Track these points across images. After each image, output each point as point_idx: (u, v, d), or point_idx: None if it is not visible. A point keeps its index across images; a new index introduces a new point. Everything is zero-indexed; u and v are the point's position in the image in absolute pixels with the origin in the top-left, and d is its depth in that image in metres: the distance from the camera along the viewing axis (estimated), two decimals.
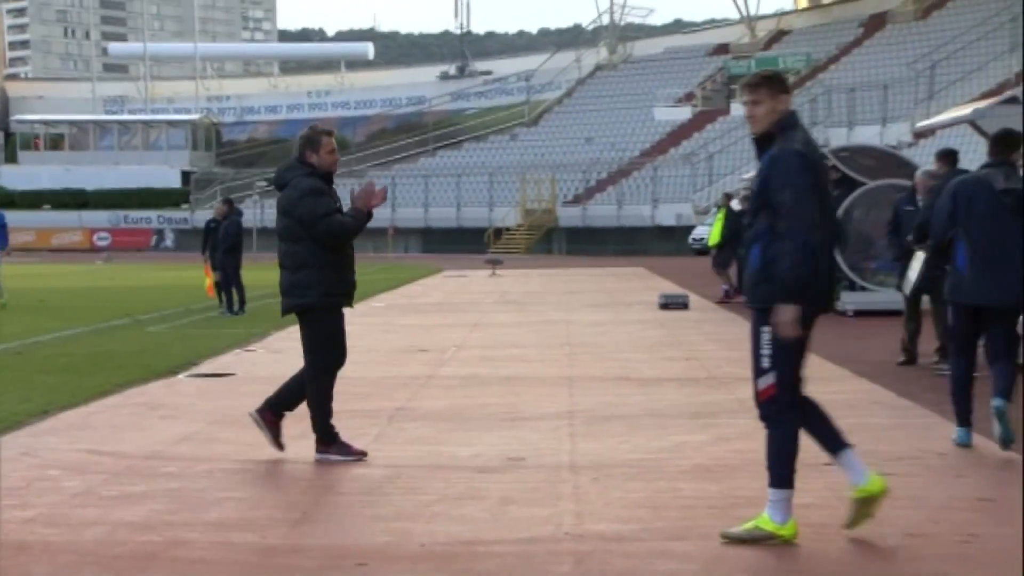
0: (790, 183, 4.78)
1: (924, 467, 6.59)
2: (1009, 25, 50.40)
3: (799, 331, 4.84)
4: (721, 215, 20.36)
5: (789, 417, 4.93)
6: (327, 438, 6.84)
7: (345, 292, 6.86)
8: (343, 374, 6.99)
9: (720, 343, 13.17)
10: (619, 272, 31.55)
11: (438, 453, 7.01)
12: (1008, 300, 6.73)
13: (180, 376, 10.96)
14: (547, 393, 9.38)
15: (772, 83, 5.05)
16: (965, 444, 6.97)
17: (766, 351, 4.87)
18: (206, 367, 11.63)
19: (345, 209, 6.80)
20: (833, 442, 5.01)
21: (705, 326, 15.49)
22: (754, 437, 7.47)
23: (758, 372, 4.91)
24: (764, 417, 4.97)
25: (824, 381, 10.13)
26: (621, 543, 5.10)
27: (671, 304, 18.97)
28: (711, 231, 20.60)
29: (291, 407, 7.01)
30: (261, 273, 33.02)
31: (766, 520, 4.98)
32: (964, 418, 7.00)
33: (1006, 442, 6.69)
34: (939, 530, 5.17)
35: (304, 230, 6.71)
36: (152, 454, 7.11)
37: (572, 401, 9.20)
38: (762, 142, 5.02)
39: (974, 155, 37.27)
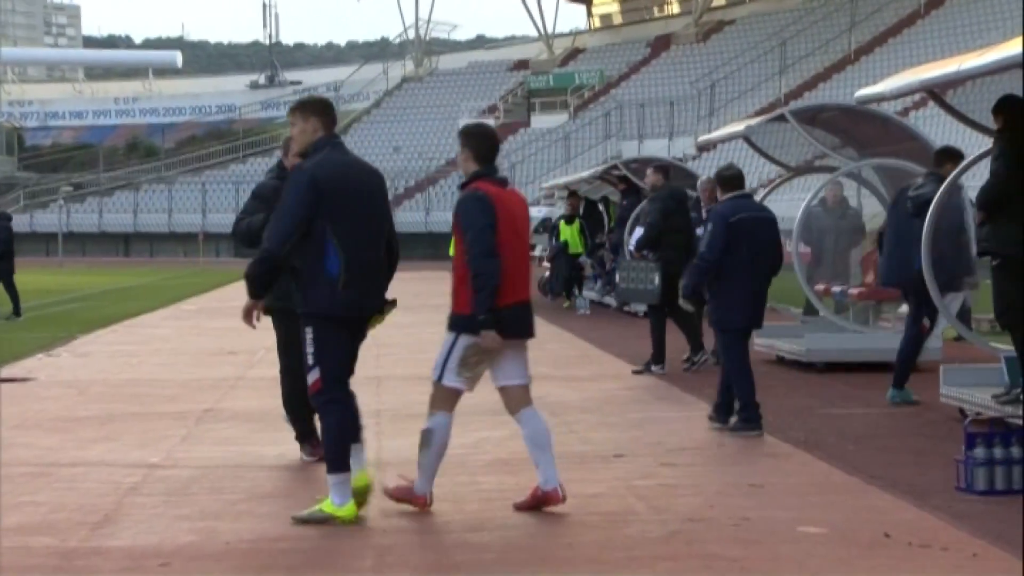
0: (286, 198, 5.21)
1: (704, 456, 6.85)
2: (777, 50, 52.93)
3: (256, 316, 5.26)
4: None
5: (336, 408, 5.24)
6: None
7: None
8: (151, 376, 6.75)
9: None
10: (427, 276, 31.53)
11: (245, 453, 6.87)
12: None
13: None
14: (354, 392, 9.28)
15: (304, 108, 5.39)
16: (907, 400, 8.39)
17: (310, 350, 5.20)
18: (6, 372, 11.04)
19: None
20: (341, 461, 5.25)
21: None
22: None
23: (307, 369, 5.24)
24: (316, 408, 5.34)
25: (616, 378, 10.40)
26: (422, 536, 5.11)
27: None
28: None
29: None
30: (68, 278, 31.67)
31: (328, 504, 5.21)
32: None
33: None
34: (715, 514, 5.38)
35: None
36: None
37: (379, 400, 9.16)
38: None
39: (750, 166, 38.96)
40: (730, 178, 7.87)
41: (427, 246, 48.88)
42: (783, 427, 7.64)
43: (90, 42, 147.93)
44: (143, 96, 78.78)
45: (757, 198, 9.16)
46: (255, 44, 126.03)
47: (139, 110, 77.07)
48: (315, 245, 5.14)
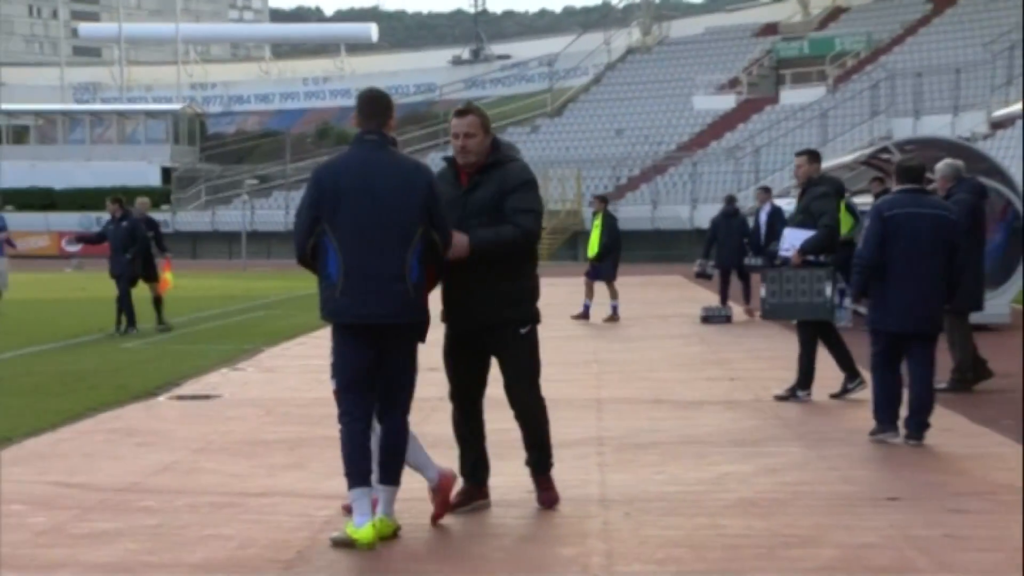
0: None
1: (1003, 502, 6.57)
2: None
3: None
4: (598, 222, 19.77)
5: (346, 421, 5.80)
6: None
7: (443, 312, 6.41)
8: (313, 396, 6.92)
9: (767, 361, 13.15)
10: (654, 281, 31.54)
11: None
12: None
13: (160, 398, 11.01)
14: (572, 417, 9.39)
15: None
16: None
17: (331, 360, 5.86)
18: (189, 388, 11.68)
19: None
20: (354, 476, 5.75)
21: (751, 342, 15.46)
22: (806, 468, 7.49)
23: (332, 377, 5.92)
24: (338, 417, 5.88)
25: None
26: None
27: (713, 317, 18.95)
28: (591, 241, 20.14)
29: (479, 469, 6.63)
30: (252, 283, 33.17)
31: (349, 525, 5.72)
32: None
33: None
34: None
35: None
36: (128, 486, 7.14)
37: (601, 426, 9.20)
38: None
39: None
40: (905, 170, 8.51)
41: (654, 246, 48.79)
42: None
43: (277, 16, 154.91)
44: (334, 75, 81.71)
45: None
46: (458, 13, 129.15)
47: (329, 91, 79.99)
48: (321, 247, 5.75)
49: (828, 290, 10.13)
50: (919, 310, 8.26)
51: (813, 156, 10.75)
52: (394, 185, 5.75)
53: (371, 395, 5.84)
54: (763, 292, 10.69)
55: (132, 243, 17.64)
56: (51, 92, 76.81)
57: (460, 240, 6.02)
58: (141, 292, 17.87)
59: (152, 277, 18.00)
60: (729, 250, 19.62)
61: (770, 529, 5.95)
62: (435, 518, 6.14)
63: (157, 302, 17.84)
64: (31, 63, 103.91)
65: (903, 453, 8.01)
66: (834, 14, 64.74)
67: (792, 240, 10.43)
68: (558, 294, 19.89)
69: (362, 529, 5.65)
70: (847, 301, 18.46)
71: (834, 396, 10.37)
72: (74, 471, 7.58)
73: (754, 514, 6.28)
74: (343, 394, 5.82)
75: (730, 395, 10.81)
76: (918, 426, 8.25)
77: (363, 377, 5.81)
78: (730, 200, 20.84)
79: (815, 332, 10.41)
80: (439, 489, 6.14)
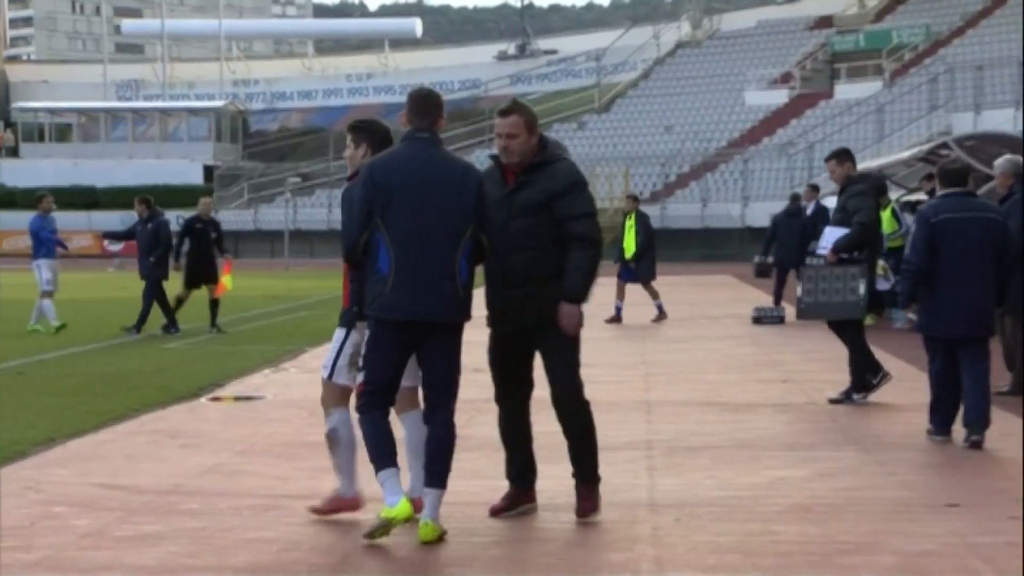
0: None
1: None
2: None
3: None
4: (631, 223, 19.66)
5: (373, 413, 5.89)
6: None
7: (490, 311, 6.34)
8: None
9: (822, 363, 13.08)
10: (704, 281, 31.47)
11: (495, 488, 7.01)
12: None
13: (202, 399, 11.11)
14: (621, 420, 9.39)
15: (408, 101, 6.06)
16: None
17: (363, 352, 5.97)
18: (232, 389, 11.77)
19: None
20: (382, 459, 5.86)
21: (804, 343, 15.38)
22: (862, 472, 7.45)
23: (359, 369, 6.03)
24: (356, 408, 6.00)
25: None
26: None
27: (765, 318, 18.87)
28: (626, 243, 19.92)
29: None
30: (295, 282, 33.40)
31: (384, 509, 5.81)
32: None
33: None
34: None
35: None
36: (171, 488, 7.21)
37: (650, 429, 9.19)
38: None
39: None
40: (948, 173, 8.57)
41: (703, 244, 48.65)
42: None
43: (321, 11, 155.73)
44: (378, 71, 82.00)
45: None
46: (504, 7, 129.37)
47: (373, 88, 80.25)
48: (372, 242, 5.82)
49: (862, 288, 10.09)
50: (970, 314, 8.33)
51: (843, 156, 10.68)
52: (446, 184, 5.84)
53: (395, 394, 5.96)
54: (799, 291, 10.67)
55: (156, 245, 17.68)
56: (94, 89, 77.50)
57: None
58: (202, 293, 17.99)
59: (212, 279, 18.03)
60: (788, 249, 19.44)
61: (825, 536, 5.92)
62: (314, 508, 6.38)
63: (214, 305, 17.87)
64: (74, 60, 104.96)
65: (963, 458, 7.95)
66: (891, 6, 64.18)
67: (830, 238, 10.43)
68: (603, 294, 19.86)
69: (396, 506, 5.75)
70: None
71: (865, 395, 10.33)
72: (117, 473, 7.66)
73: (808, 520, 6.25)
74: (369, 386, 5.90)
75: (783, 398, 10.76)
76: (978, 421, 8.23)
77: (394, 375, 5.91)
78: (795, 198, 20.64)
79: (852, 331, 10.35)
80: (340, 501, 6.32)
